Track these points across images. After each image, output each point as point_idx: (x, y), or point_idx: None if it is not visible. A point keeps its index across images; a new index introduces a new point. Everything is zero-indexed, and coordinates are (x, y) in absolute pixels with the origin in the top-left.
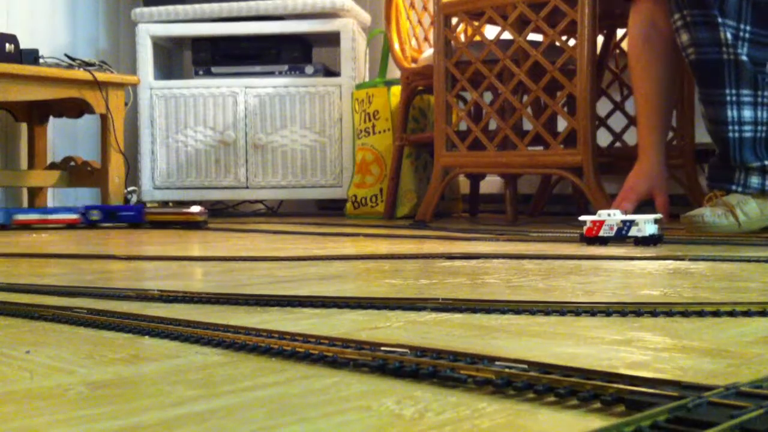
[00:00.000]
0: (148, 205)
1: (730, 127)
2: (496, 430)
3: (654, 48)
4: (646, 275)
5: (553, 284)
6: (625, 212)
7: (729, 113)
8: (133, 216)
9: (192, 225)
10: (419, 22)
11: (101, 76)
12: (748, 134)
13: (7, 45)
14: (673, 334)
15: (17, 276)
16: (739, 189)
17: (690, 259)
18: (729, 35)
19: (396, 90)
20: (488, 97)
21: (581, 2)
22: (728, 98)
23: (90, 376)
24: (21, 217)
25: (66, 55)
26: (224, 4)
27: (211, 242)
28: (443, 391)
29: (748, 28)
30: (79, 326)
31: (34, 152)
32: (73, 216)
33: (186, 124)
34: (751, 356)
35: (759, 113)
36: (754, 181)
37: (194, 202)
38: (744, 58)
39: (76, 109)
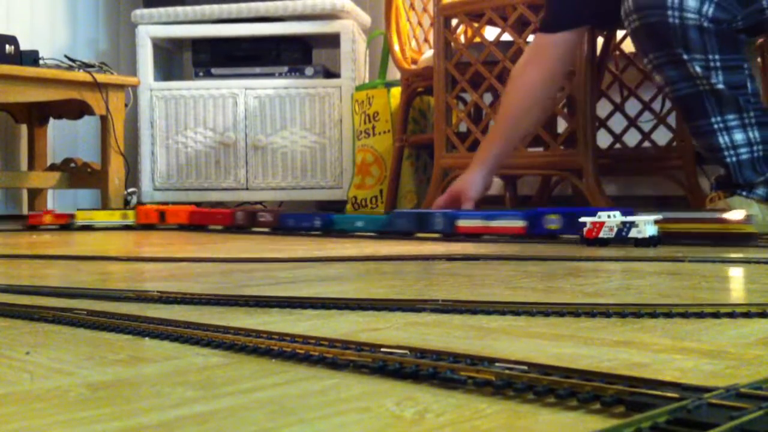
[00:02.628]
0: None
1: (726, 153)
2: (496, 431)
3: (536, 75)
4: (646, 276)
5: (552, 285)
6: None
7: (721, 140)
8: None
9: (736, 239)
10: (419, 23)
11: (101, 77)
12: (745, 156)
13: (7, 46)
14: (673, 336)
15: (17, 277)
16: (744, 193)
17: (690, 261)
18: (698, 68)
19: (396, 91)
20: (488, 98)
21: None
22: (715, 126)
23: (90, 378)
24: (464, 223)
25: (66, 57)
26: (224, 6)
27: (210, 243)
28: (443, 392)
29: (717, 56)
30: (79, 328)
31: (34, 154)
32: (520, 223)
33: (186, 125)
34: (751, 357)
35: (750, 134)
36: (760, 191)
37: (194, 204)
38: (720, 86)
39: (76, 110)
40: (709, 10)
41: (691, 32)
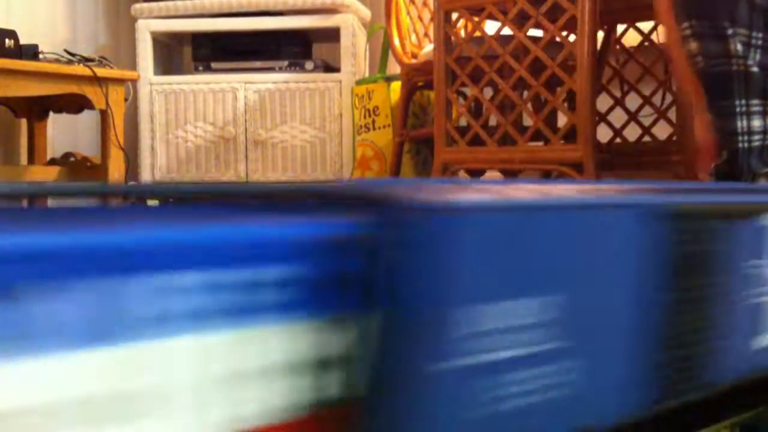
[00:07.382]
0: None
1: (740, 138)
2: None
3: None
4: None
5: None
6: None
7: (738, 124)
8: None
9: None
10: (419, 17)
11: (101, 71)
12: (756, 143)
13: (7, 40)
14: None
15: None
16: None
17: None
18: (739, 46)
19: (396, 86)
20: (488, 92)
21: None
22: (738, 109)
23: None
24: None
25: (66, 51)
26: (224, 0)
27: None
28: None
29: (759, 35)
30: None
31: (33, 148)
32: None
33: (186, 119)
34: None
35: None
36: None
37: None
38: (755, 68)
39: (75, 104)
40: None
41: (741, 6)
